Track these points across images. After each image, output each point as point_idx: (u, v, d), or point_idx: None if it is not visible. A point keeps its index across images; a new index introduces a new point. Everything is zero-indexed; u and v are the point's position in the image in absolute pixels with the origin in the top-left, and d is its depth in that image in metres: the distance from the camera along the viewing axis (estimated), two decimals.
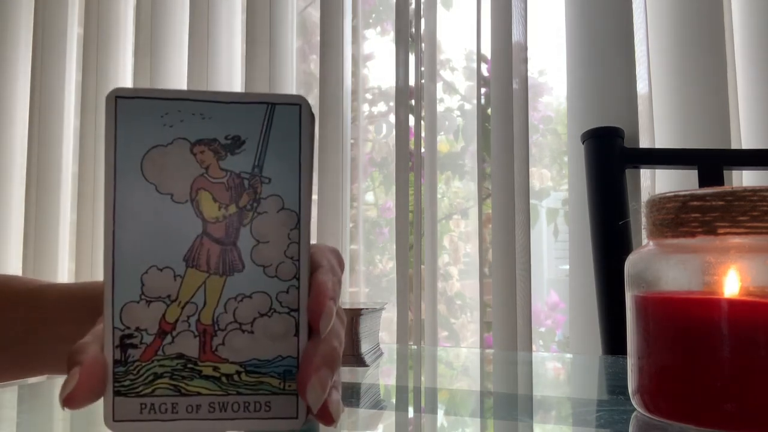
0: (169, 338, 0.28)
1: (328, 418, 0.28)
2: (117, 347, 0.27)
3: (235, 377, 0.28)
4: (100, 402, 0.27)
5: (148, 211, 0.27)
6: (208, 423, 0.28)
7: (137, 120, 0.27)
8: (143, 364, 0.27)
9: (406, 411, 0.48)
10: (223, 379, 0.28)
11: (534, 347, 1.11)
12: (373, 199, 1.36)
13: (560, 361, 0.79)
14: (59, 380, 0.62)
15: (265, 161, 0.28)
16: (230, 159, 0.28)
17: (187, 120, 0.28)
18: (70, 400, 0.26)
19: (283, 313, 0.28)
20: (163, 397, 0.28)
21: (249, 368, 0.28)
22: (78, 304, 0.43)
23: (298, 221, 0.28)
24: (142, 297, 0.27)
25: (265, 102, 0.28)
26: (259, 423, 0.28)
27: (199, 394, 0.28)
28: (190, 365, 0.28)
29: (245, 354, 0.28)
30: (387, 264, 1.31)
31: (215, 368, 0.28)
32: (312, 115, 0.29)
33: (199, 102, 0.28)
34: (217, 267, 0.28)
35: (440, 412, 0.47)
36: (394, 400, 0.50)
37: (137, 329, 0.27)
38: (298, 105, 0.28)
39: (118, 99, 0.27)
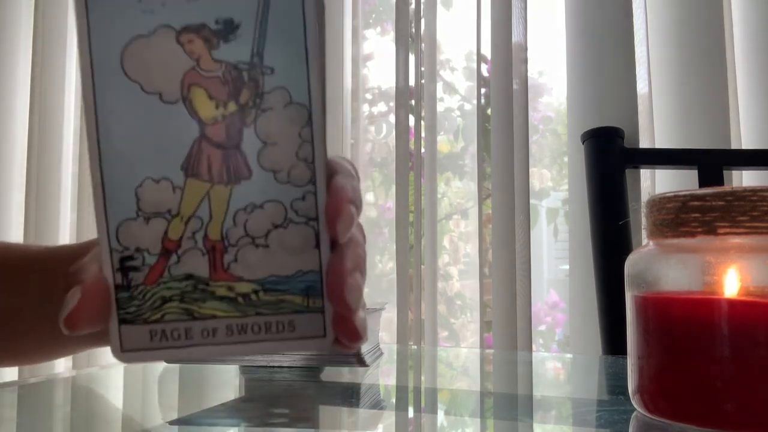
0: (174, 258, 0.24)
1: (355, 334, 0.25)
2: (117, 271, 0.24)
3: (253, 297, 0.25)
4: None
5: (134, 115, 0.23)
6: (226, 348, 0.25)
7: (111, 6, 0.23)
8: (148, 287, 0.24)
9: (406, 411, 0.48)
10: (240, 299, 0.25)
11: (534, 346, 1.11)
12: (373, 199, 1.35)
13: (560, 361, 0.79)
14: (59, 380, 0.62)
15: (266, 48, 0.24)
16: (224, 47, 0.24)
17: (170, 3, 0.23)
18: (70, 321, 0.23)
19: (300, 223, 0.25)
20: (174, 322, 0.24)
21: (267, 286, 0.25)
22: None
23: (310, 117, 0.25)
24: (139, 213, 0.24)
25: None
26: (284, 345, 0.25)
27: (214, 317, 0.24)
28: (201, 286, 0.24)
29: (262, 271, 0.25)
30: (387, 264, 1.31)
31: (230, 288, 0.25)
32: None
33: None
34: (221, 175, 0.24)
35: (440, 412, 0.47)
36: (394, 400, 0.50)
37: (137, 249, 0.24)
38: None
39: None
